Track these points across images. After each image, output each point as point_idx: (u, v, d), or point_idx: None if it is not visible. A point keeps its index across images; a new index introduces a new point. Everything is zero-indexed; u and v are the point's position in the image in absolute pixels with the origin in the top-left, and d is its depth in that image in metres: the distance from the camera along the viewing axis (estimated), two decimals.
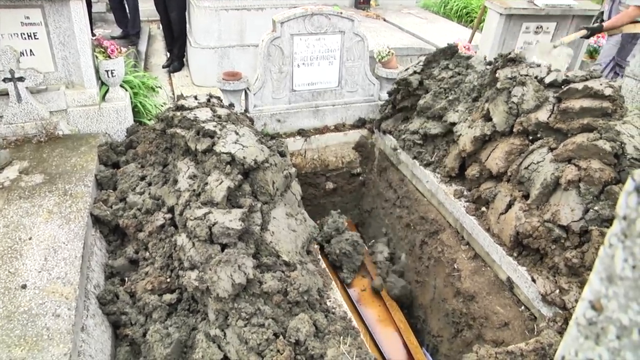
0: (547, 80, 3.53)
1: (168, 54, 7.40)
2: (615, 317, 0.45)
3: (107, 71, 4.15)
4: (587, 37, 5.45)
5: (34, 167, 3.56)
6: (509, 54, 3.83)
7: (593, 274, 0.48)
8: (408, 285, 4.36)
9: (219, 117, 3.44)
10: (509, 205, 3.32)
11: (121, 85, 4.43)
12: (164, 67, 7.16)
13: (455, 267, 3.73)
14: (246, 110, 4.69)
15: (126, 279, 3.07)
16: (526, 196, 3.29)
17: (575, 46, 6.12)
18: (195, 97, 3.78)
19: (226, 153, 3.00)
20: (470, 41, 5.86)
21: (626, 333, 0.44)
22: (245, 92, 4.66)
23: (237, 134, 3.20)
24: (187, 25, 6.86)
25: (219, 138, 3.15)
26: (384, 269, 4.56)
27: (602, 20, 5.48)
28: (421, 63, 4.60)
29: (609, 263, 0.45)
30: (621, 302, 0.44)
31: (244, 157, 2.99)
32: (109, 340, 2.71)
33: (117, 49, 4.25)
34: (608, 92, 3.14)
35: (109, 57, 4.17)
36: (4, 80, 3.66)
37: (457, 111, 4.11)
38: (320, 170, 5.14)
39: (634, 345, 0.43)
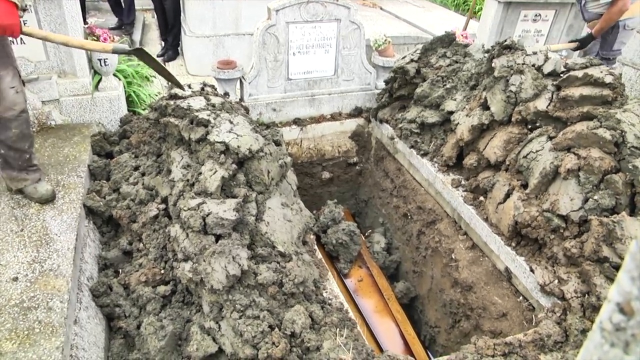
0: (546, 69, 3.48)
1: (162, 43, 7.32)
2: None
3: (99, 60, 4.07)
4: (581, 48, 5.29)
5: None
6: (505, 41, 3.78)
7: (622, 272, 0.43)
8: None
9: (213, 105, 3.39)
10: (508, 195, 3.28)
11: (114, 75, 4.36)
12: (158, 56, 7.09)
13: (453, 257, 3.70)
14: (241, 99, 4.64)
15: (120, 270, 3.03)
16: (525, 185, 3.26)
17: (574, 34, 6.07)
18: (189, 86, 3.72)
19: (220, 142, 2.95)
20: (464, 29, 5.77)
21: None
22: (241, 81, 4.61)
23: (231, 122, 3.15)
24: (182, 14, 6.77)
25: (212, 127, 3.09)
26: (381, 259, 4.54)
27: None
28: (418, 51, 4.54)
29: None
30: None
31: (238, 146, 2.94)
32: (103, 332, 2.68)
33: (109, 38, 4.17)
34: (608, 79, 3.10)
35: None
36: None
37: (454, 100, 4.06)
38: (317, 160, 5.09)
39: None
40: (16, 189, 3.05)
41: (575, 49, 5.34)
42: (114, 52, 3.02)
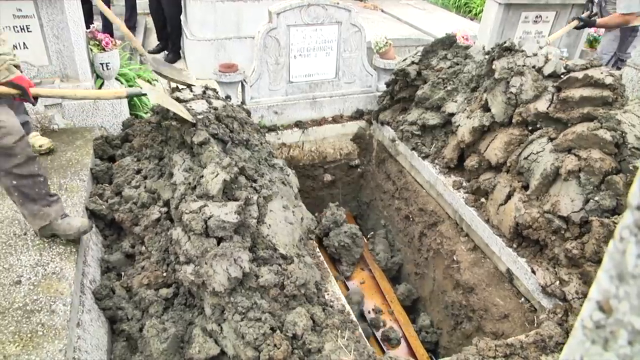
0: (546, 70, 3.49)
1: (159, 44, 7.34)
2: (626, 321, 0.41)
3: (101, 64, 4.10)
4: (581, 27, 5.57)
5: None
6: (504, 43, 3.78)
7: (601, 271, 0.44)
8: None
9: (215, 109, 3.40)
10: (509, 196, 3.29)
11: (116, 78, 4.38)
12: (149, 52, 7.08)
13: (455, 258, 3.70)
14: (243, 102, 4.65)
15: (122, 273, 3.04)
16: (526, 187, 3.26)
17: (575, 35, 6.07)
18: (191, 89, 3.73)
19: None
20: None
21: (639, 339, 0.40)
22: (242, 84, 4.62)
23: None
24: (183, 17, 6.80)
25: None
26: (383, 261, 4.54)
27: (593, 12, 5.58)
28: (419, 53, 4.55)
29: (620, 259, 0.42)
30: (633, 304, 0.40)
31: None
32: (106, 335, 2.69)
33: (111, 42, 4.20)
34: (609, 80, 3.10)
35: (104, 49, 4.12)
36: None
37: (455, 101, 4.07)
38: (318, 162, 5.10)
39: None
40: (43, 231, 2.73)
41: (577, 27, 5.53)
42: (128, 96, 2.98)
